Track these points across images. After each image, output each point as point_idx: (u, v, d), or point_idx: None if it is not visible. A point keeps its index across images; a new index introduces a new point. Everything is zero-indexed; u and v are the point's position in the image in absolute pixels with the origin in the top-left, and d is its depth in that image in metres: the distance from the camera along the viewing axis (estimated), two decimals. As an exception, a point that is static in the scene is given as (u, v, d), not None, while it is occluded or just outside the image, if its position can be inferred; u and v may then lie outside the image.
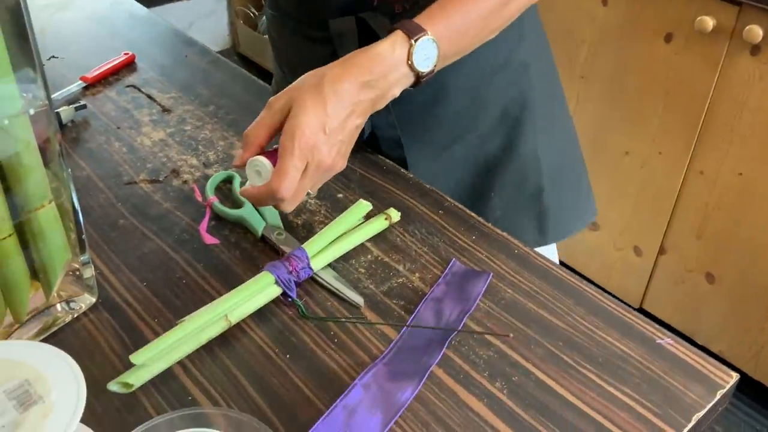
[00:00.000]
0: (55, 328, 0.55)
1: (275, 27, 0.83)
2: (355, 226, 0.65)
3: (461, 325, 0.57)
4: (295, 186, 0.58)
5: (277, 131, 0.60)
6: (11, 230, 0.49)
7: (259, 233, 0.65)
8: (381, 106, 0.62)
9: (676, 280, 1.55)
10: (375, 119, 0.76)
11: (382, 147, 0.79)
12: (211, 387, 0.51)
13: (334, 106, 0.58)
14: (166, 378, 0.52)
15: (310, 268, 0.60)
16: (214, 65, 0.93)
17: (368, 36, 0.72)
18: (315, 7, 0.75)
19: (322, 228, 0.66)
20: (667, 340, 0.56)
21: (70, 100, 0.83)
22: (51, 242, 0.52)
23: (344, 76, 0.59)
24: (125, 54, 0.92)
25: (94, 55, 0.92)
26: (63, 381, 0.41)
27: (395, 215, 0.67)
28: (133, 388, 0.51)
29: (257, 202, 0.60)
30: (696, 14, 1.31)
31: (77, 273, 0.56)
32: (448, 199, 0.70)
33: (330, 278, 0.60)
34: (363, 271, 0.62)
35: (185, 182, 0.72)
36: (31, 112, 0.48)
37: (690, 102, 1.40)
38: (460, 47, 0.65)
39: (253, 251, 0.64)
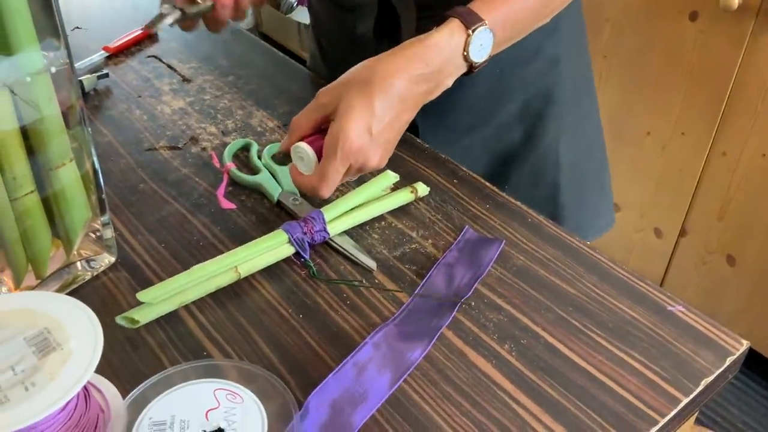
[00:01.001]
0: (75, 286, 0.57)
1: None
2: (378, 196, 0.65)
3: (471, 290, 0.57)
4: (336, 185, 0.57)
5: (322, 124, 0.59)
6: (33, 186, 0.51)
7: (275, 199, 0.66)
8: (433, 97, 0.60)
9: (697, 263, 1.54)
10: None
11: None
12: (225, 343, 0.53)
13: (383, 106, 0.56)
14: (181, 333, 0.53)
15: (326, 232, 0.61)
16: (234, 37, 0.94)
17: (386, 8, 0.72)
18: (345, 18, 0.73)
19: (338, 195, 0.67)
20: (678, 308, 0.56)
21: (93, 69, 0.84)
22: (72, 200, 0.53)
23: (397, 71, 0.57)
24: (147, 25, 0.93)
25: (117, 26, 0.93)
26: (81, 330, 0.42)
27: (422, 189, 0.66)
28: (139, 325, 0.53)
29: (298, 185, 0.60)
30: (721, -8, 1.29)
31: (97, 233, 0.58)
32: (463, 168, 0.70)
33: (344, 243, 0.61)
34: (376, 236, 0.63)
35: (204, 149, 0.73)
36: (53, 70, 0.49)
37: (714, 82, 1.38)
38: (513, 35, 0.64)
39: (269, 216, 0.65)
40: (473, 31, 0.58)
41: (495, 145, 0.79)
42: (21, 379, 0.40)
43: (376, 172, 0.69)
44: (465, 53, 0.59)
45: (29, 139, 0.50)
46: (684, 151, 1.48)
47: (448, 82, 0.60)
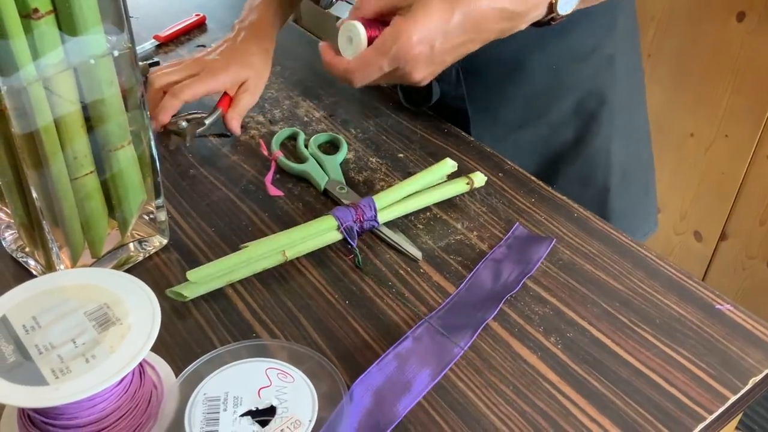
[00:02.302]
0: (128, 266, 0.58)
1: None
2: (432, 186, 0.65)
3: (518, 287, 0.57)
4: (367, 82, 0.55)
5: (388, 14, 0.56)
6: (93, 167, 0.52)
7: (322, 187, 0.67)
8: (503, 36, 0.58)
9: (737, 267, 1.52)
10: (444, 88, 0.75)
11: (448, 118, 0.77)
12: (273, 325, 0.53)
13: (459, 25, 0.53)
14: (230, 315, 0.54)
15: (376, 221, 0.61)
16: (281, 29, 0.94)
17: None
18: None
19: (383, 185, 0.67)
20: (726, 306, 0.55)
21: (144, 57, 0.86)
22: (128, 182, 0.55)
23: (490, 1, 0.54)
24: (196, 15, 0.94)
25: (167, 15, 0.95)
26: (139, 306, 0.44)
27: (479, 180, 0.65)
28: (187, 299, 0.55)
29: (327, 66, 0.57)
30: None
31: (151, 215, 0.59)
32: (508, 162, 0.71)
33: (390, 232, 0.62)
34: (421, 227, 0.63)
35: (252, 137, 0.74)
36: (116, 53, 0.50)
37: (759, 84, 1.36)
38: None
39: (316, 204, 0.66)
40: None
41: (545, 144, 0.78)
42: (82, 351, 0.41)
43: (410, 162, 0.69)
44: (553, 1, 0.56)
45: (90, 120, 0.51)
46: (727, 154, 1.45)
47: (522, 27, 0.58)
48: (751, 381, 0.50)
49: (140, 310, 0.43)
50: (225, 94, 0.74)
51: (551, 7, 0.57)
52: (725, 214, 1.50)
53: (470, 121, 0.77)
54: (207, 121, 0.72)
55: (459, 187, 0.65)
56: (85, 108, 0.50)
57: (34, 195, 0.50)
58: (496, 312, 0.55)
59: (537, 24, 0.59)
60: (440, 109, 0.78)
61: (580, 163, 0.79)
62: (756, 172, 1.42)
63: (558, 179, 0.79)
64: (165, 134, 0.72)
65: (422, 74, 0.56)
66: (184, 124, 0.71)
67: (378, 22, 0.57)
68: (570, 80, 0.76)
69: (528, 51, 0.64)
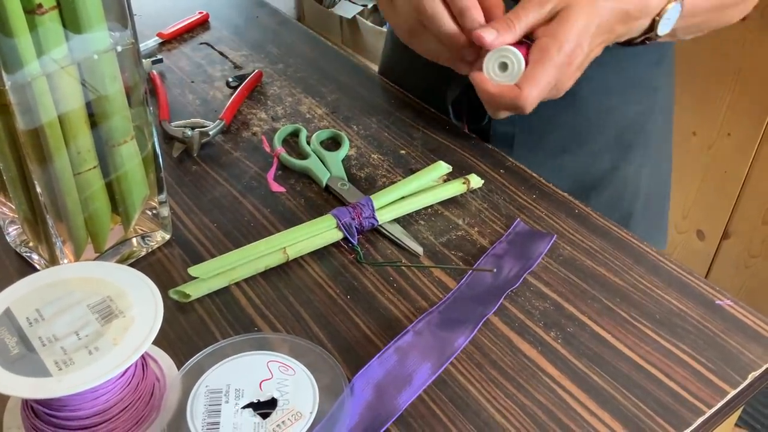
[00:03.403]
0: (131, 261, 0.59)
1: None
2: (430, 186, 0.65)
3: (518, 282, 0.57)
4: (541, 99, 0.54)
5: (533, 28, 0.56)
6: (96, 162, 0.52)
7: (324, 183, 0.67)
8: (609, 44, 0.58)
9: (739, 266, 1.52)
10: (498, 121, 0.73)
11: (491, 140, 0.74)
12: (275, 319, 0.54)
13: (600, 27, 0.54)
14: (233, 309, 0.55)
15: (375, 219, 0.61)
16: (283, 26, 0.95)
17: None
18: None
19: (385, 182, 0.68)
20: (726, 302, 0.55)
21: (148, 55, 0.86)
22: (131, 177, 0.55)
23: (618, 2, 0.55)
24: (199, 13, 0.95)
25: (170, 13, 0.95)
26: (142, 299, 0.44)
27: (475, 181, 0.66)
28: (191, 299, 0.55)
29: (490, 99, 0.56)
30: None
31: (154, 211, 0.60)
32: (510, 159, 0.71)
33: (391, 228, 0.62)
34: (422, 223, 0.63)
35: (254, 134, 0.74)
36: (119, 49, 0.50)
37: (762, 83, 1.36)
38: (687, 28, 0.62)
39: (317, 200, 0.66)
40: (672, 1, 0.57)
41: (583, 172, 0.76)
42: (85, 343, 0.41)
43: (412, 158, 0.70)
44: (657, 17, 0.57)
45: (93, 115, 0.52)
46: (730, 153, 1.46)
47: (626, 36, 0.58)
48: (750, 376, 0.50)
49: (143, 303, 0.44)
50: (230, 106, 0.75)
51: (653, 25, 0.59)
52: (728, 213, 1.51)
53: (514, 145, 0.75)
54: (211, 132, 0.72)
55: (456, 187, 0.65)
56: (88, 104, 0.51)
57: (38, 190, 0.51)
58: (496, 307, 0.55)
59: (627, 42, 0.60)
60: (484, 132, 0.76)
61: (611, 190, 0.78)
62: (758, 171, 1.42)
63: (587, 204, 0.78)
64: (169, 142, 0.72)
65: (573, 80, 0.56)
66: (189, 132, 0.71)
67: (518, 42, 0.56)
68: (617, 110, 0.75)
69: (582, 78, 0.63)
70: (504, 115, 0.60)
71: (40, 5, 0.45)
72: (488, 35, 0.55)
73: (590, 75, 0.65)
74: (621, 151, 0.77)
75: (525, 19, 0.55)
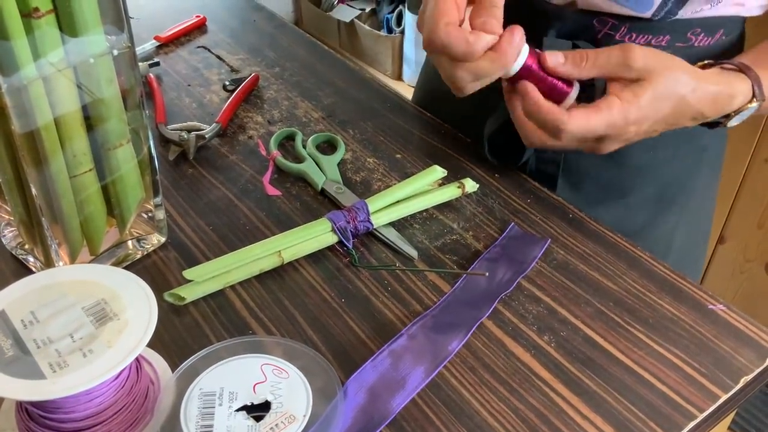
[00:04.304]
0: (127, 263, 0.59)
1: None
2: (425, 191, 0.66)
3: (512, 286, 0.58)
4: (578, 143, 0.55)
5: (602, 74, 0.56)
6: (91, 165, 0.53)
7: (319, 187, 0.67)
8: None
9: (735, 271, 1.52)
10: (541, 152, 0.71)
11: (534, 178, 0.71)
12: (269, 322, 0.54)
13: (670, 115, 0.55)
14: (227, 311, 0.55)
15: (370, 223, 0.62)
16: (280, 30, 0.95)
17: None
18: (535, 22, 0.64)
19: (380, 186, 0.68)
20: (719, 307, 0.56)
21: (145, 58, 0.87)
22: (127, 180, 0.55)
23: (702, 98, 0.56)
24: (197, 16, 0.95)
25: (168, 16, 0.96)
26: (136, 301, 0.44)
27: (470, 186, 0.66)
28: (186, 302, 0.55)
29: (533, 111, 0.56)
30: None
31: (149, 214, 0.60)
32: (504, 165, 0.71)
33: (386, 231, 0.62)
34: (417, 227, 0.64)
35: (250, 137, 0.75)
36: (115, 53, 0.51)
37: (759, 88, 1.36)
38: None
39: (313, 203, 0.66)
40: (753, 102, 0.58)
41: (615, 225, 0.69)
42: (79, 345, 0.41)
43: (407, 162, 0.70)
44: (733, 114, 0.58)
45: (89, 118, 0.52)
46: (726, 158, 1.46)
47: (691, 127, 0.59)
48: (742, 380, 0.50)
49: (137, 306, 0.44)
50: (227, 110, 0.75)
51: (726, 119, 0.59)
52: (723, 218, 1.51)
53: (556, 189, 0.73)
54: (207, 136, 0.72)
55: (451, 192, 0.66)
56: (84, 107, 0.51)
57: (34, 192, 0.51)
58: (490, 311, 0.55)
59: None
60: (525, 168, 0.73)
61: (642, 245, 0.73)
62: (754, 176, 1.43)
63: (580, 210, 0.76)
64: (165, 145, 0.72)
65: (613, 148, 0.57)
66: (185, 135, 0.71)
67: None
68: (660, 166, 0.73)
69: None
70: (536, 139, 0.58)
71: (36, 9, 0.46)
72: (551, 57, 0.55)
73: None
74: (658, 208, 0.75)
75: (599, 63, 0.55)
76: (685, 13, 0.62)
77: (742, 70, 0.59)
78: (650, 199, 0.75)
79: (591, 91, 0.59)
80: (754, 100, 0.58)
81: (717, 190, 0.82)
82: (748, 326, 0.54)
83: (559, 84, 0.56)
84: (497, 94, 0.61)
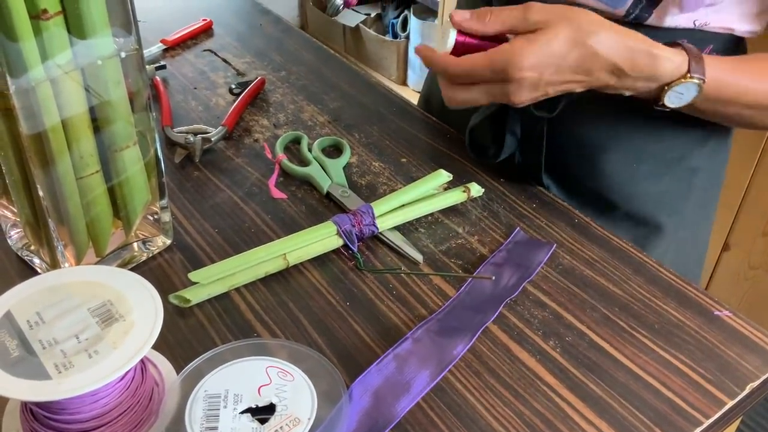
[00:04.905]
0: (132, 265, 0.59)
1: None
2: (430, 195, 0.65)
3: (517, 291, 0.58)
4: (469, 80, 0.55)
5: (509, 33, 0.56)
6: (98, 166, 0.53)
7: (325, 190, 0.67)
8: (604, 90, 0.58)
9: (739, 278, 1.52)
10: (525, 152, 0.71)
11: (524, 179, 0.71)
12: (274, 325, 0.54)
13: (572, 65, 0.54)
14: (232, 314, 0.55)
15: (375, 226, 0.62)
16: (286, 34, 0.96)
17: None
18: None
19: (385, 189, 0.68)
20: (725, 313, 0.56)
21: (151, 61, 0.87)
22: (133, 182, 0.55)
23: (613, 47, 0.54)
24: (203, 20, 0.95)
25: (174, 19, 0.96)
26: (142, 303, 0.44)
27: (476, 190, 0.66)
28: (191, 304, 0.55)
29: (425, 60, 0.57)
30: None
31: (155, 216, 0.60)
32: (510, 170, 0.71)
33: (392, 235, 0.62)
34: (423, 231, 0.64)
35: (256, 140, 0.75)
36: (123, 55, 0.51)
37: (764, 95, 1.36)
38: (715, 110, 0.61)
39: (318, 207, 0.66)
40: (689, 77, 0.56)
41: None
42: (85, 347, 0.41)
43: (413, 167, 0.70)
44: (666, 87, 0.57)
45: (96, 120, 0.52)
46: (730, 165, 1.46)
47: (627, 92, 0.58)
48: (748, 386, 0.50)
49: (143, 308, 0.44)
50: (233, 113, 0.75)
51: (659, 93, 0.57)
52: (728, 225, 1.51)
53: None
54: (213, 139, 0.72)
55: (456, 196, 0.65)
56: (91, 109, 0.51)
57: (41, 194, 0.51)
58: (495, 315, 0.55)
59: (647, 102, 0.59)
60: (512, 165, 0.73)
61: None
62: (759, 183, 1.42)
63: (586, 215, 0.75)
64: (172, 147, 0.72)
65: (523, 98, 0.56)
66: (191, 138, 0.72)
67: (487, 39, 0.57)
68: (646, 185, 0.71)
69: (612, 141, 0.63)
70: (444, 92, 0.58)
71: (45, 10, 0.46)
72: (457, 15, 0.56)
73: (619, 140, 0.64)
74: (644, 232, 0.73)
75: (501, 18, 0.55)
76: (661, 20, 0.61)
77: (681, 45, 0.57)
78: (637, 220, 0.73)
79: (555, 101, 0.60)
80: (689, 76, 0.56)
81: (713, 214, 0.80)
82: (754, 332, 0.54)
83: (491, 46, 0.56)
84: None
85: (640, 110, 0.64)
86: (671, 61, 0.56)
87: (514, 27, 0.55)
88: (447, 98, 0.59)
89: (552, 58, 0.54)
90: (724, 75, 0.58)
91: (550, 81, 0.55)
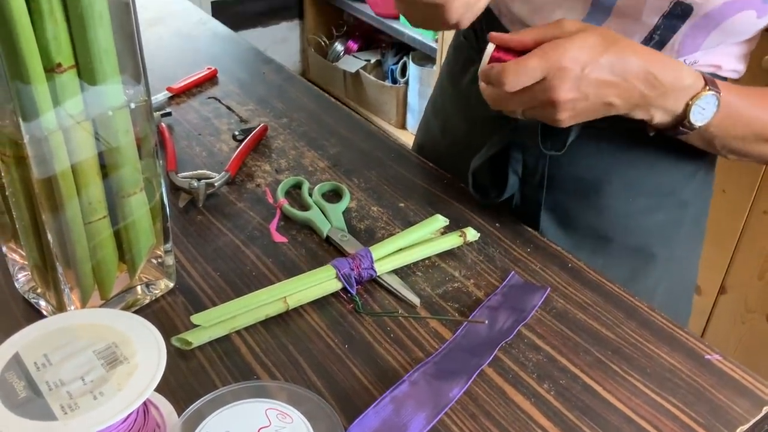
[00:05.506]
0: (135, 308, 0.60)
1: (457, 59, 0.83)
2: (427, 239, 0.67)
3: (512, 334, 0.59)
4: (521, 84, 0.56)
5: (539, 37, 0.58)
6: (106, 212, 0.54)
7: (324, 234, 0.69)
8: (635, 114, 0.60)
9: (736, 321, 1.52)
10: (524, 191, 0.74)
11: (518, 216, 0.73)
12: (274, 367, 0.55)
13: (608, 63, 0.56)
14: (232, 356, 0.56)
15: (374, 270, 0.63)
16: (288, 82, 0.98)
17: None
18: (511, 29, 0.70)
19: (384, 234, 0.70)
20: (715, 356, 0.57)
21: (157, 108, 0.89)
22: (139, 226, 0.57)
23: (642, 51, 0.57)
24: (208, 68, 0.98)
25: (180, 68, 0.99)
26: (146, 345, 0.45)
27: (471, 235, 0.68)
28: (192, 346, 0.56)
29: (483, 74, 0.59)
30: (763, 53, 1.31)
31: (159, 260, 0.61)
32: (505, 214, 0.73)
33: (389, 278, 0.64)
34: (420, 274, 0.65)
35: (258, 185, 0.77)
36: (132, 106, 0.53)
37: (756, 140, 1.39)
38: (728, 134, 0.62)
39: (318, 250, 0.68)
40: (708, 90, 0.58)
41: None
42: (90, 388, 0.43)
43: (410, 211, 0.72)
44: (690, 102, 0.59)
45: (105, 166, 0.54)
46: (725, 209, 1.48)
47: (653, 112, 0.60)
48: (738, 430, 0.51)
49: (147, 350, 0.45)
50: (236, 159, 0.78)
51: (686, 108, 0.59)
52: (724, 269, 1.52)
53: (539, 229, 0.74)
54: (217, 184, 0.75)
55: (453, 240, 0.67)
56: (100, 155, 0.53)
57: (50, 238, 0.53)
58: (491, 358, 0.56)
59: (664, 129, 0.61)
60: (513, 207, 0.75)
61: None
62: (753, 227, 1.44)
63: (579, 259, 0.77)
64: (176, 192, 0.74)
65: (566, 95, 0.56)
66: (195, 183, 0.74)
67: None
68: (641, 218, 0.74)
69: (612, 175, 0.65)
70: (489, 96, 0.60)
71: (59, 64, 0.48)
72: (495, 33, 0.59)
73: (617, 175, 0.67)
74: (639, 263, 0.75)
75: (537, 28, 0.58)
76: None
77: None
78: (631, 251, 0.75)
79: (564, 137, 0.63)
80: (707, 88, 0.58)
81: (700, 249, 0.82)
82: (744, 376, 0.55)
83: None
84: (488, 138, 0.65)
85: (636, 145, 0.67)
86: (690, 72, 0.59)
87: (551, 35, 0.58)
88: (491, 98, 0.60)
89: (591, 50, 0.56)
90: (734, 95, 0.60)
91: (590, 80, 0.56)
